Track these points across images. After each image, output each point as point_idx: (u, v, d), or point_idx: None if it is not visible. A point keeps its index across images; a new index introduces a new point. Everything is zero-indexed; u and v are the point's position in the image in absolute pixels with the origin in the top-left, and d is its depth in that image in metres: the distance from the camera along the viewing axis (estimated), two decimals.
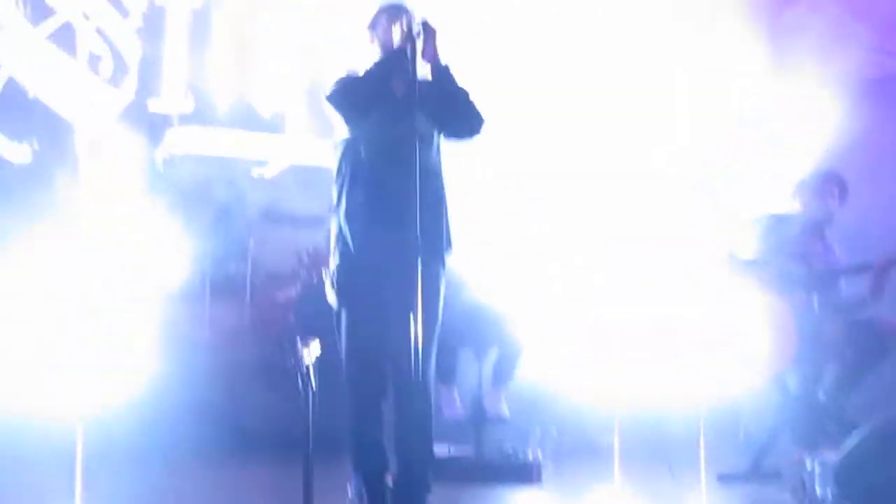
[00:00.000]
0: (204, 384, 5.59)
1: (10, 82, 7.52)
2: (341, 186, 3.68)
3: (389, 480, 3.66)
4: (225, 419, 5.43)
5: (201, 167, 7.34)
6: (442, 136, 3.73)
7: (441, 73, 3.58)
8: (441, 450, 4.87)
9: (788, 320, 4.83)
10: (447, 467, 4.67)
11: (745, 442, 5.25)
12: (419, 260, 3.20)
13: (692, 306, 5.08)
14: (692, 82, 6.77)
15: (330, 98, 3.66)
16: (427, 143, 3.62)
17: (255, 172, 7.38)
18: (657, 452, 5.14)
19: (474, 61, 4.08)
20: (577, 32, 6.40)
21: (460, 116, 3.67)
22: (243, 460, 5.26)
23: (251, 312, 6.78)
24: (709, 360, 4.92)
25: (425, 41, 3.50)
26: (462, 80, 3.65)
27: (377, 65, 3.66)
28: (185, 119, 7.61)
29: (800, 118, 6.11)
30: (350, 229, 3.62)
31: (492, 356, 5.27)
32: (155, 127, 7.08)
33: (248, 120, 8.07)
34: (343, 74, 3.71)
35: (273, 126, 8.17)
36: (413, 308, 3.14)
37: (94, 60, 7.73)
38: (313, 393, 2.98)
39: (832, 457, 3.95)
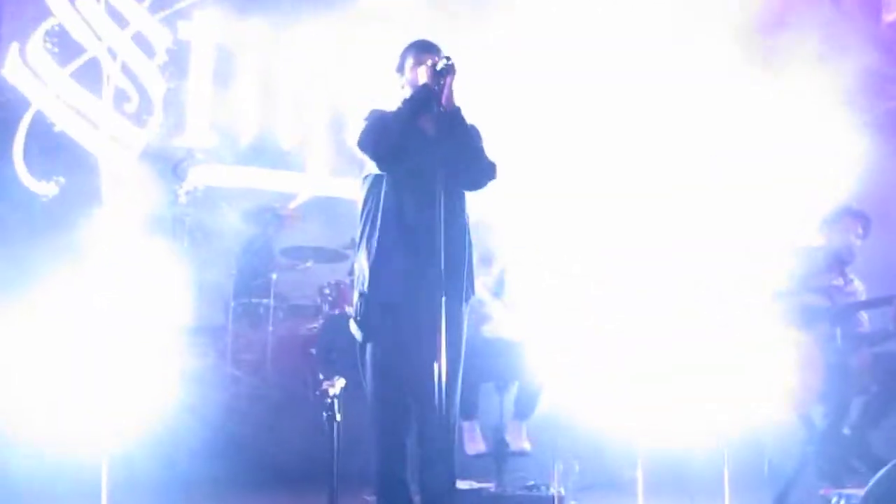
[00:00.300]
0: (226, 418, 5.61)
1: (38, 115, 7.64)
2: (366, 222, 3.70)
3: None
4: (247, 453, 5.44)
5: (224, 202, 7.42)
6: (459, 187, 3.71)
7: (453, 116, 3.60)
8: (463, 484, 4.85)
9: (815, 354, 4.80)
10: (470, 502, 4.66)
11: (770, 477, 5.20)
12: (443, 297, 3.21)
13: (716, 340, 5.05)
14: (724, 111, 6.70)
15: (361, 144, 3.66)
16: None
17: (278, 206, 7.43)
18: (680, 487, 5.08)
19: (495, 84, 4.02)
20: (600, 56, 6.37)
21: (470, 165, 3.68)
22: (266, 493, 5.25)
23: (273, 346, 6.80)
24: (733, 393, 4.88)
25: (448, 81, 3.53)
26: (473, 120, 3.68)
27: (406, 102, 3.69)
28: (207, 154, 7.71)
29: (823, 152, 6.09)
30: (375, 265, 3.63)
31: (513, 390, 5.26)
32: (178, 161, 7.15)
33: (270, 154, 8.16)
34: (367, 115, 3.72)
35: (295, 161, 8.26)
36: (437, 345, 3.16)
37: (119, 96, 7.84)
38: (337, 426, 2.98)
39: (857, 493, 3.91)
